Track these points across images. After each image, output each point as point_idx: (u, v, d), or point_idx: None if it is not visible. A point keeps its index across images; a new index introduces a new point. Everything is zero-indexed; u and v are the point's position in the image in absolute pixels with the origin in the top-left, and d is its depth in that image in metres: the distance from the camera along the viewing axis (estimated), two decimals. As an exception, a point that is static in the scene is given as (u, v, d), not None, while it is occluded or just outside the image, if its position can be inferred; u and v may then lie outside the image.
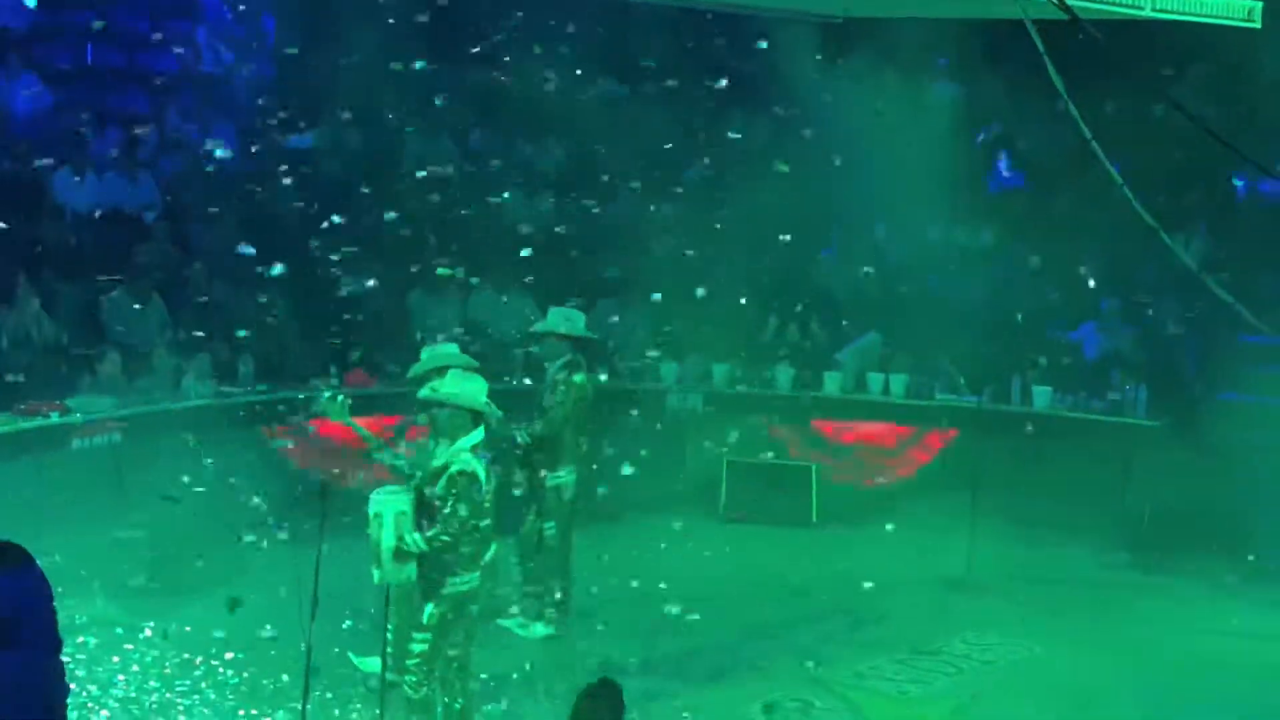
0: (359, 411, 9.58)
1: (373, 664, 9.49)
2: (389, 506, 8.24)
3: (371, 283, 15.21)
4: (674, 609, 11.74)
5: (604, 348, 15.16)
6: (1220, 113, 16.05)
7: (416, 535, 8.20)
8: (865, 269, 16.37)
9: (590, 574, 11.74)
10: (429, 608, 8.30)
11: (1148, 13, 9.56)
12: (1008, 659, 11.16)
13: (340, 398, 9.24)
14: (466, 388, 8.57)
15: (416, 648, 8.30)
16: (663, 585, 12.22)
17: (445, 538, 8.20)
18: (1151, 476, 13.55)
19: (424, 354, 9.99)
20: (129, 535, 11.57)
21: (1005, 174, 17.65)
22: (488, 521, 8.59)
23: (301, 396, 13.58)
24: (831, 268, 16.70)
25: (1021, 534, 13.54)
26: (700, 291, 15.98)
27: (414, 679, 8.29)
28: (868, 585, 12.28)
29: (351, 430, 9.24)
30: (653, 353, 15.51)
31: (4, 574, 4.87)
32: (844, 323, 16.09)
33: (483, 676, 9.70)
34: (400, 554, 8.22)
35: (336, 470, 11.58)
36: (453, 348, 10.24)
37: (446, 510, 8.20)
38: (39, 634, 4.94)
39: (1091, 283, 15.71)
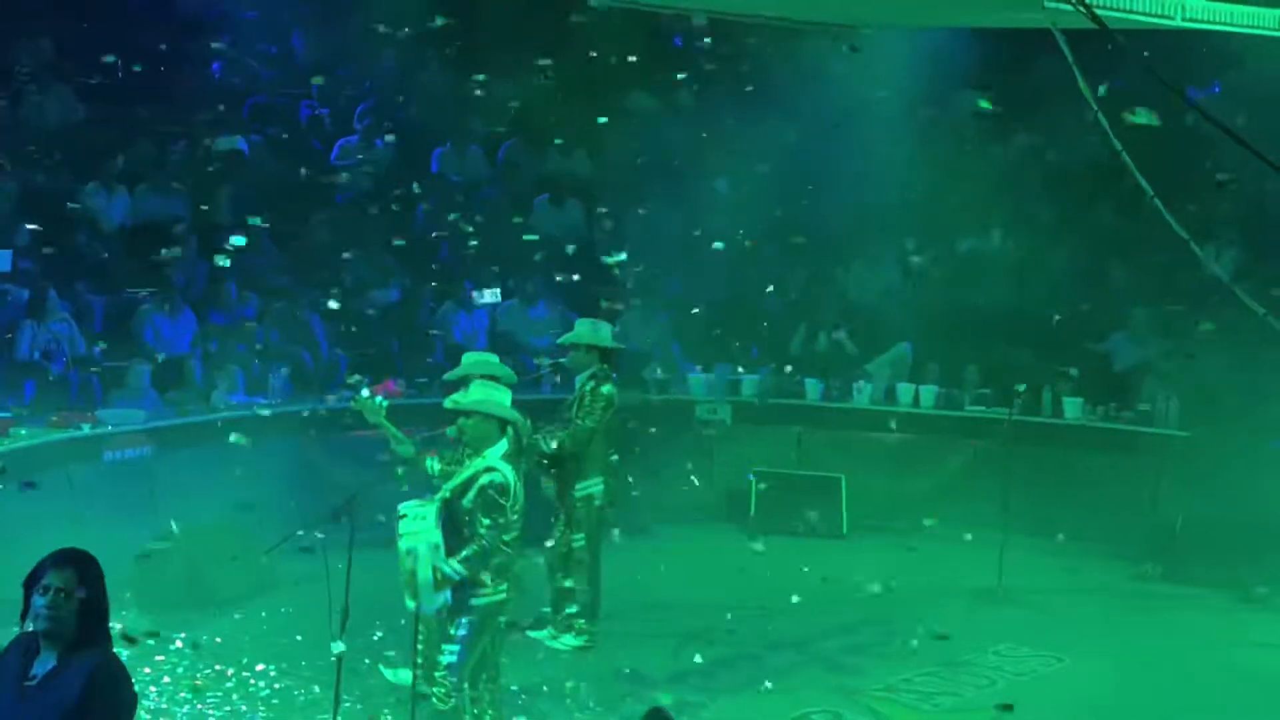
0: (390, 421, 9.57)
1: (403, 676, 9.50)
2: (422, 540, 8.21)
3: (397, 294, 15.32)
4: (703, 620, 11.77)
5: (631, 359, 15.18)
6: (1251, 121, 15.99)
7: (453, 562, 8.18)
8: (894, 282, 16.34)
9: (619, 585, 11.72)
10: (459, 621, 8.29)
11: (1178, 23, 9.50)
12: (1038, 671, 11.10)
13: (378, 399, 9.26)
14: (493, 396, 8.55)
15: (446, 659, 8.30)
16: (691, 596, 12.26)
17: (478, 555, 8.18)
18: (1183, 487, 13.50)
19: (465, 358, 10.05)
20: (160, 547, 11.58)
21: None
22: (516, 534, 8.54)
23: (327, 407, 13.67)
24: (861, 277, 16.67)
25: (1052, 545, 13.54)
26: (728, 302, 16.07)
27: (442, 690, 8.30)
28: (898, 596, 12.33)
29: (385, 432, 9.24)
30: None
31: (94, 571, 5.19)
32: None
33: (513, 688, 9.72)
34: (439, 583, 8.22)
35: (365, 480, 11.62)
36: (493, 357, 10.27)
37: (475, 523, 8.18)
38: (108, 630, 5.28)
39: None
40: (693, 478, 14.27)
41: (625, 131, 17.40)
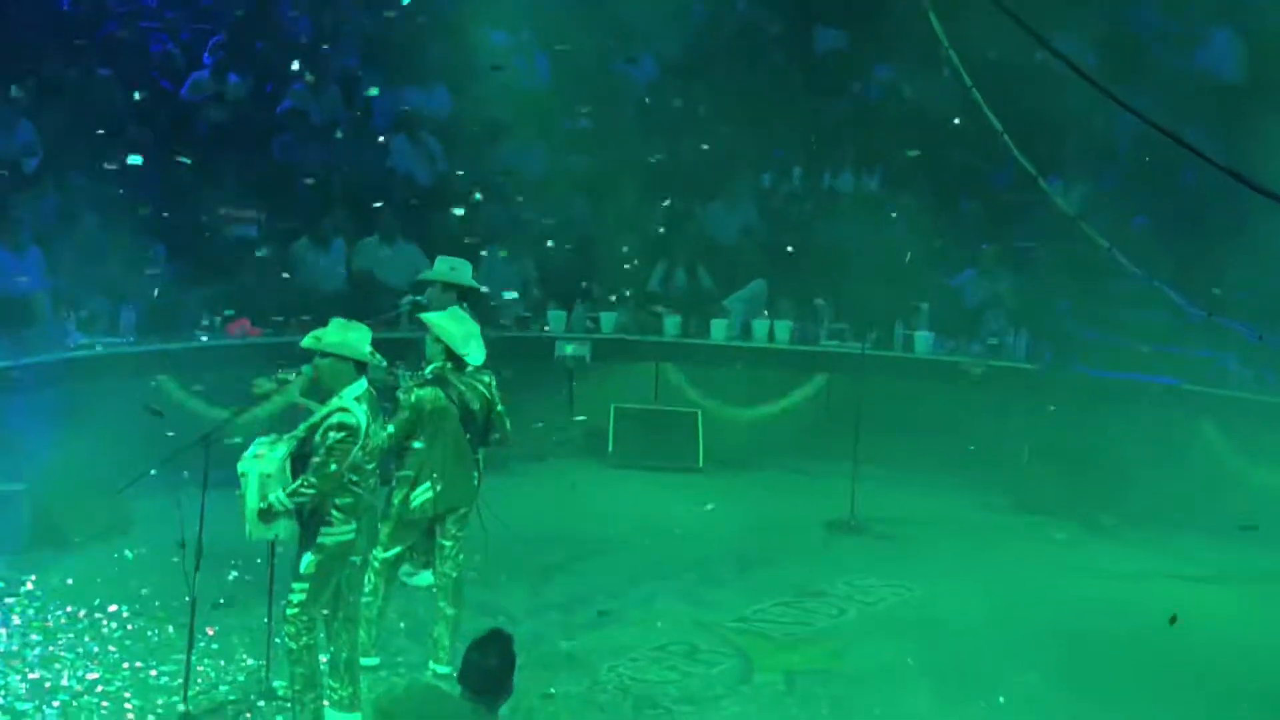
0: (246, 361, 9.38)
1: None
2: (254, 468, 8.15)
3: (255, 231, 15.14)
4: (561, 554, 11.87)
5: (490, 297, 15.14)
6: (1101, 61, 16.26)
7: (280, 493, 8.12)
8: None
9: (478, 521, 11.73)
10: (306, 557, 8.24)
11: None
12: (888, 600, 11.35)
13: (287, 376, 8.95)
14: (349, 337, 8.45)
15: (295, 597, 8.24)
16: (550, 531, 12.33)
17: (310, 490, 8.13)
18: (1030, 419, 13.80)
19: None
20: (9, 488, 11.41)
21: None
22: (370, 476, 8.44)
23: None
24: (718, 215, 16.74)
25: (903, 477, 13.78)
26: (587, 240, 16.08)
27: (292, 629, 8.24)
28: (753, 529, 12.50)
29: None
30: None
31: None
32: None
33: (370, 625, 9.72)
34: (265, 514, 8.16)
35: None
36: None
37: (316, 461, 8.13)
38: None
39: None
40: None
41: (486, 70, 17.29)
